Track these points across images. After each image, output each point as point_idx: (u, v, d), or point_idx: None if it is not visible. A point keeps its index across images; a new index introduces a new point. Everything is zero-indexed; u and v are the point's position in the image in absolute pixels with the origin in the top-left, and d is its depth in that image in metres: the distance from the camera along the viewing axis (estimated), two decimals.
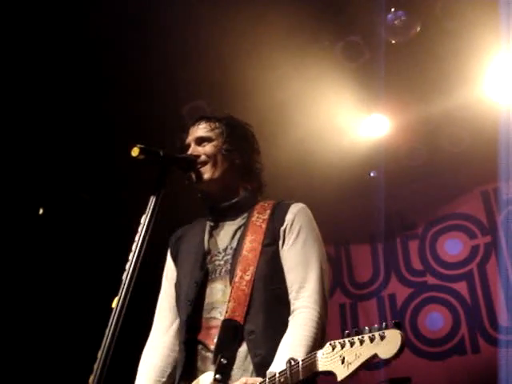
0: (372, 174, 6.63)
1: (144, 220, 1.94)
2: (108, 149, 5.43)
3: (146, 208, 1.98)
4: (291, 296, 2.30)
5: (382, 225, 6.50)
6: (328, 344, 1.82)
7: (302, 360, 1.87)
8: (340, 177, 6.25)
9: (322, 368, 1.80)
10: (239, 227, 2.45)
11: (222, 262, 2.39)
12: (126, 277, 1.85)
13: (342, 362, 1.74)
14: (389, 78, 5.35)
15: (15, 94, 5.12)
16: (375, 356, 1.70)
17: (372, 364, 5.73)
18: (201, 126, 2.55)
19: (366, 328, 1.74)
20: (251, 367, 2.18)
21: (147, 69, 5.06)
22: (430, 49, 5.19)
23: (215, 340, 2.23)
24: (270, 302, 2.28)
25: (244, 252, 2.33)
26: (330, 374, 1.77)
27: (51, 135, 5.53)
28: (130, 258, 1.88)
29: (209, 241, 2.48)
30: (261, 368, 2.13)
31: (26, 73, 4.98)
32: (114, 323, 1.79)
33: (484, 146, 5.78)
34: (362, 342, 1.72)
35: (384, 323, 1.71)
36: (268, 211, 2.46)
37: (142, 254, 1.91)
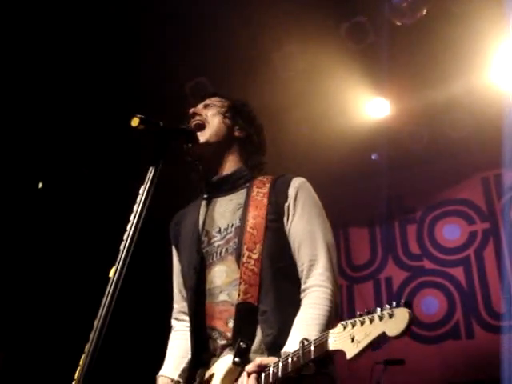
0: (373, 157, 6.62)
1: (142, 191, 1.93)
2: (106, 122, 5.42)
3: (144, 179, 1.96)
4: (302, 274, 2.25)
5: (381, 208, 6.51)
6: (340, 324, 1.80)
7: (314, 340, 1.84)
8: (341, 159, 6.25)
9: (333, 347, 1.78)
10: (239, 204, 2.36)
11: (221, 242, 2.32)
12: (123, 247, 1.85)
13: (352, 341, 1.73)
14: (393, 61, 5.32)
15: (14, 68, 5.10)
16: (384, 334, 1.68)
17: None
18: (211, 98, 2.55)
19: (378, 308, 1.72)
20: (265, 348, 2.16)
21: (147, 43, 5.04)
22: (435, 33, 5.15)
23: (230, 324, 2.20)
24: (279, 279, 2.23)
25: (248, 229, 2.26)
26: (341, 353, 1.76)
27: (50, 109, 5.51)
28: (128, 228, 1.88)
29: (205, 221, 2.40)
30: (273, 347, 2.11)
31: (25, 48, 4.96)
32: (110, 293, 1.79)
33: (486, 133, 5.78)
34: (371, 320, 1.71)
35: (394, 302, 1.69)
36: (267, 185, 2.37)
37: (140, 225, 1.90)
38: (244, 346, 2.11)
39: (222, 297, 2.25)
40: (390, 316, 1.66)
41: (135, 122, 1.96)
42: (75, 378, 1.68)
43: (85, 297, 3.76)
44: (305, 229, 2.28)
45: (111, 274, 1.81)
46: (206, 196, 2.46)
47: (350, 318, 1.76)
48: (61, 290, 5.90)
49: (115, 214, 3.22)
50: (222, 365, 2.15)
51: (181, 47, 5.14)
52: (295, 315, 2.15)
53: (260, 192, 2.35)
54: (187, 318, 2.45)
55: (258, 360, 2.00)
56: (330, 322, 2.11)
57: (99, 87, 5.35)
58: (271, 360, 1.98)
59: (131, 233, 1.86)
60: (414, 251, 6.39)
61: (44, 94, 5.35)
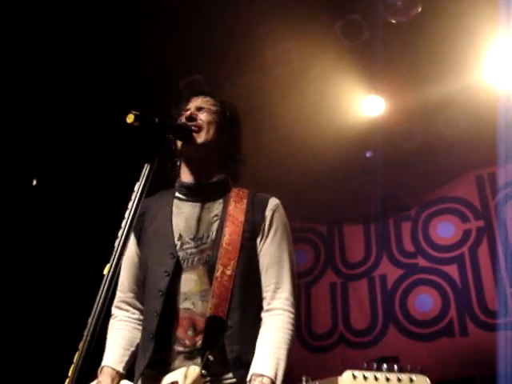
0: (368, 155, 6.63)
1: (137, 187, 1.92)
2: (101, 118, 5.40)
3: (139, 176, 1.96)
4: (267, 294, 2.34)
5: (375, 206, 6.51)
6: (349, 372, 1.83)
7: (320, 381, 1.92)
8: (335, 156, 6.24)
9: None
10: (216, 215, 2.39)
11: (194, 251, 2.33)
12: (118, 244, 1.84)
13: None
14: (387, 58, 5.32)
15: (7, 63, 5.08)
16: None
17: (361, 343, 5.74)
18: (203, 99, 2.55)
19: (385, 366, 1.79)
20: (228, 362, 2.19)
21: (142, 39, 5.02)
22: (430, 30, 5.15)
23: (189, 333, 2.23)
24: (246, 299, 2.30)
25: (224, 245, 2.30)
26: None
27: (44, 105, 5.49)
28: (123, 225, 1.87)
29: (180, 224, 2.39)
30: (237, 362, 2.17)
31: (20, 45, 4.94)
32: (105, 289, 1.79)
33: (480, 131, 5.78)
34: (388, 379, 1.77)
35: (408, 367, 1.80)
36: (244, 200, 2.43)
37: (134, 222, 1.90)
38: (212, 358, 2.16)
39: (187, 304, 2.27)
40: (411, 380, 1.77)
41: (130, 118, 1.95)
42: (69, 375, 1.68)
43: (79, 294, 3.75)
44: (275, 253, 2.37)
45: (105, 271, 1.80)
46: (180, 197, 2.47)
47: (360, 369, 1.80)
48: (55, 288, 5.88)
49: (110, 211, 3.21)
50: (187, 374, 2.15)
51: (175, 43, 5.13)
52: (255, 335, 2.25)
53: (237, 207, 2.39)
54: (131, 309, 2.49)
55: None
56: (292, 345, 2.24)
57: (94, 83, 5.33)
58: None
59: (126, 230, 1.86)
60: (408, 249, 6.39)
61: (39, 90, 5.33)
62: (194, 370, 2.14)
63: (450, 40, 5.11)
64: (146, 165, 1.94)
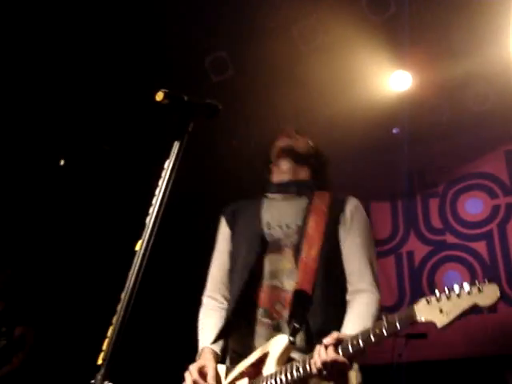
0: (395, 131, 6.57)
1: (167, 165, 1.94)
2: (129, 97, 5.43)
3: (169, 154, 1.97)
4: (352, 278, 2.49)
5: (403, 182, 6.46)
6: (423, 299, 1.95)
7: (399, 313, 2.00)
8: (362, 133, 6.20)
9: (421, 318, 1.92)
10: (302, 209, 2.61)
11: (282, 236, 2.53)
12: (149, 220, 1.86)
13: (441, 312, 1.89)
14: (414, 33, 5.25)
15: (37, 47, 5.12)
16: (475, 305, 1.85)
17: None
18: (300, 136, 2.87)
19: (456, 285, 1.89)
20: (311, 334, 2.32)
21: (165, 18, 5.02)
22: (458, 4, 5.06)
23: (277, 307, 2.41)
24: (330, 279, 2.45)
25: (309, 230, 2.50)
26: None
27: (72, 86, 5.52)
28: (154, 202, 1.89)
29: (268, 215, 2.63)
30: (319, 336, 2.22)
31: (48, 29, 4.97)
32: (137, 266, 1.81)
33: (509, 105, 5.69)
34: (458, 295, 1.88)
35: (476, 280, 1.87)
36: (327, 199, 2.65)
37: (165, 199, 1.91)
38: (298, 326, 2.31)
39: (274, 282, 2.46)
40: (479, 290, 1.84)
41: (160, 96, 1.95)
42: (103, 349, 1.71)
43: (111, 271, 3.81)
44: (357, 243, 2.55)
45: (137, 248, 1.82)
46: (270, 195, 2.75)
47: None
48: (87, 265, 5.97)
49: (140, 189, 3.25)
50: (277, 344, 2.30)
51: (201, 20, 5.11)
52: (337, 314, 2.38)
53: (321, 203, 2.62)
54: (220, 299, 2.65)
55: (335, 334, 2.12)
56: None
57: (121, 62, 5.34)
58: (346, 335, 2.12)
59: (157, 207, 1.88)
60: (436, 225, 6.35)
61: (66, 70, 5.36)
62: (283, 339, 2.28)
63: (478, 13, 5.01)
64: (175, 142, 1.95)
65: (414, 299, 6.08)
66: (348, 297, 2.45)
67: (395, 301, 6.30)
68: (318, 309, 2.35)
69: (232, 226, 2.73)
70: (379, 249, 6.62)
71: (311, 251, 2.45)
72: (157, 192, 1.91)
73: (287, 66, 5.41)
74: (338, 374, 2.07)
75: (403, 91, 5.95)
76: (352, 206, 2.65)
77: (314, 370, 2.07)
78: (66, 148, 6.23)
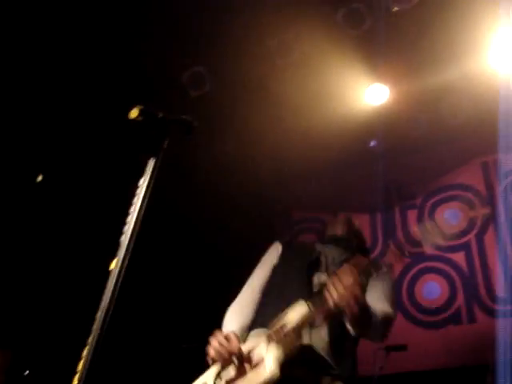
0: (372, 144, 6.61)
1: (142, 183, 1.92)
2: (105, 113, 5.40)
3: (144, 171, 1.96)
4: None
5: (380, 195, 6.49)
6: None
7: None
8: (339, 146, 6.23)
9: None
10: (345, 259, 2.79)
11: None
12: (124, 239, 1.84)
13: None
14: (390, 46, 5.29)
15: (11, 60, 5.08)
16: None
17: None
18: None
19: None
20: None
21: (140, 35, 5.02)
22: (432, 17, 5.11)
23: None
24: None
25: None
26: None
27: (49, 101, 5.49)
28: (129, 220, 1.87)
29: (317, 263, 2.82)
30: None
31: (25, 41, 4.94)
32: (112, 285, 1.79)
33: (485, 117, 5.75)
34: None
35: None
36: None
37: (140, 217, 1.90)
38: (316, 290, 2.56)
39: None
40: None
41: (134, 113, 1.95)
42: (78, 369, 1.69)
43: (86, 290, 3.77)
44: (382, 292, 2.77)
45: (112, 267, 1.81)
46: (323, 244, 3.02)
47: None
48: (62, 284, 5.91)
49: (114, 207, 3.22)
50: (296, 310, 2.38)
51: (176, 36, 5.12)
52: None
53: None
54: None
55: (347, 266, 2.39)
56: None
57: (96, 78, 5.32)
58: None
59: (132, 225, 1.86)
60: (415, 237, 6.37)
61: (42, 86, 5.32)
62: (302, 305, 2.38)
63: (453, 27, 5.07)
64: (151, 160, 1.94)
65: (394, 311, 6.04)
66: None
67: None
68: None
69: (286, 257, 2.94)
70: None
71: None
72: (131, 210, 1.90)
73: (264, 80, 5.43)
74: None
75: (380, 104, 5.99)
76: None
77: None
78: (43, 164, 6.18)
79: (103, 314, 1.77)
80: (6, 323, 5.46)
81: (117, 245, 1.84)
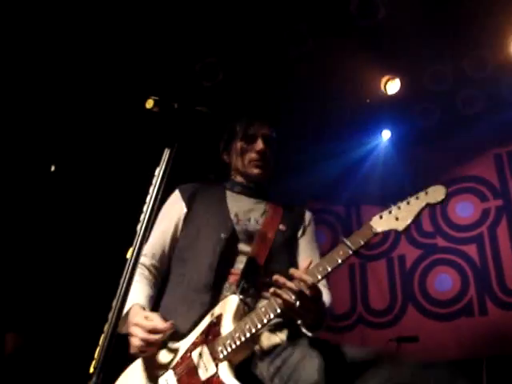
0: (383, 135, 6.61)
1: (158, 172, 1.94)
2: (120, 104, 5.43)
3: (160, 161, 1.97)
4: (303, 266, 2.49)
5: (393, 185, 6.47)
6: (376, 216, 2.12)
7: (356, 232, 2.14)
8: (352, 137, 6.23)
9: (381, 228, 2.07)
10: (262, 208, 2.76)
11: (250, 229, 2.62)
12: (140, 228, 1.86)
13: (397, 220, 2.05)
14: (403, 36, 5.26)
15: (28, 54, 5.12)
16: (427, 205, 2.02)
17: (380, 323, 5.71)
18: (269, 127, 2.90)
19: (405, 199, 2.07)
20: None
21: (154, 24, 5.03)
22: (447, 7, 5.08)
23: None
24: (283, 262, 2.56)
25: (265, 224, 2.66)
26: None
27: (63, 92, 5.52)
28: (145, 209, 1.89)
29: (234, 206, 2.72)
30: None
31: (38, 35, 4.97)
32: (128, 273, 1.81)
33: (498, 109, 5.72)
34: (408, 202, 2.06)
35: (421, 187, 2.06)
36: (280, 205, 2.82)
37: (156, 206, 1.92)
38: (246, 285, 2.37)
39: (240, 265, 2.50)
40: (426, 193, 2.03)
41: (150, 103, 1.96)
42: (95, 357, 1.71)
43: (102, 278, 3.80)
44: (312, 245, 2.79)
45: (128, 255, 1.83)
46: (234, 189, 2.84)
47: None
48: (78, 272, 5.95)
49: (131, 196, 3.25)
50: (229, 304, 2.30)
51: (190, 26, 5.12)
52: None
53: (276, 207, 2.80)
54: (152, 269, 2.71)
55: (299, 269, 2.18)
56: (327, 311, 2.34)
57: (111, 68, 5.34)
58: (310, 267, 2.17)
59: (148, 214, 1.88)
60: (426, 229, 6.36)
61: (58, 76, 5.35)
62: (233, 298, 2.31)
63: (469, 16, 5.04)
64: (166, 150, 1.96)
65: (406, 303, 6.09)
66: None
67: (387, 305, 6.31)
68: (268, 276, 2.31)
69: (190, 205, 2.76)
70: (370, 252, 6.64)
71: (268, 234, 2.61)
72: (147, 199, 1.91)
73: (277, 69, 5.43)
74: (312, 300, 2.09)
75: (393, 94, 5.98)
76: (309, 217, 2.88)
77: (292, 299, 2.06)
78: (57, 154, 6.21)
79: (119, 302, 1.79)
80: (19, 308, 5.51)
81: (133, 233, 1.86)
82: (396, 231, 2.05)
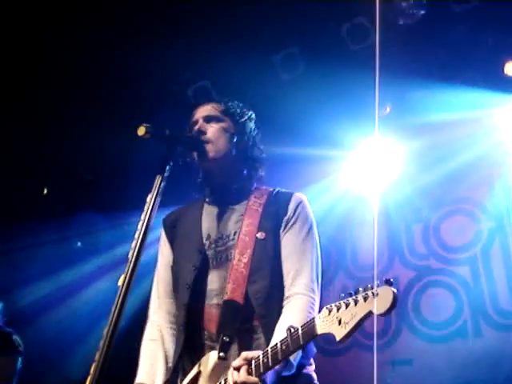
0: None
1: (150, 199, 1.95)
2: (112, 130, 5.43)
3: (151, 187, 1.98)
4: (287, 282, 2.38)
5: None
6: (325, 308, 1.94)
7: (301, 326, 1.97)
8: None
9: (321, 331, 1.91)
10: (240, 215, 2.50)
11: (222, 248, 2.44)
12: (131, 255, 1.86)
13: (339, 323, 1.86)
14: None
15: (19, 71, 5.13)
16: (370, 313, 1.82)
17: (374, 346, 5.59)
18: (209, 106, 2.58)
19: (360, 288, 1.87)
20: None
21: (147, 49, 5.05)
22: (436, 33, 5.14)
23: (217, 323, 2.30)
24: (267, 286, 2.36)
25: (241, 236, 2.40)
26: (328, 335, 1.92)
27: (56, 116, 5.53)
28: (136, 236, 1.89)
29: (208, 225, 2.52)
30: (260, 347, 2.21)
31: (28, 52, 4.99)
32: (120, 301, 1.81)
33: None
34: (356, 302, 1.85)
35: (377, 282, 1.83)
36: (264, 196, 2.53)
37: (147, 233, 1.92)
38: (227, 339, 2.20)
39: (215, 300, 2.36)
40: (374, 295, 1.82)
41: (141, 131, 1.98)
42: (90, 373, 1.71)
43: (93, 305, 3.79)
44: (297, 243, 2.44)
45: (120, 283, 1.82)
46: (208, 201, 2.58)
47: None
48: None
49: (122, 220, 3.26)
50: (207, 361, 2.22)
51: (182, 49, 5.15)
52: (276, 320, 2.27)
53: (257, 202, 2.50)
54: (165, 323, 2.54)
55: (244, 354, 2.09)
56: None
57: (103, 94, 5.36)
58: (256, 353, 2.07)
59: (139, 241, 1.88)
60: (420, 251, 6.36)
61: (53, 99, 5.36)
62: (213, 356, 2.21)
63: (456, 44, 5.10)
64: (157, 176, 1.97)
65: (400, 325, 6.02)
66: (283, 303, 2.35)
67: (381, 327, 6.27)
68: (250, 318, 2.27)
69: (172, 239, 2.61)
70: (364, 274, 6.60)
71: (242, 257, 2.35)
72: (139, 226, 1.91)
73: (268, 90, 5.45)
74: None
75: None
76: (295, 203, 2.52)
77: None
78: (49, 177, 6.21)
79: (110, 330, 1.78)
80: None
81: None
82: (334, 337, 1.89)
